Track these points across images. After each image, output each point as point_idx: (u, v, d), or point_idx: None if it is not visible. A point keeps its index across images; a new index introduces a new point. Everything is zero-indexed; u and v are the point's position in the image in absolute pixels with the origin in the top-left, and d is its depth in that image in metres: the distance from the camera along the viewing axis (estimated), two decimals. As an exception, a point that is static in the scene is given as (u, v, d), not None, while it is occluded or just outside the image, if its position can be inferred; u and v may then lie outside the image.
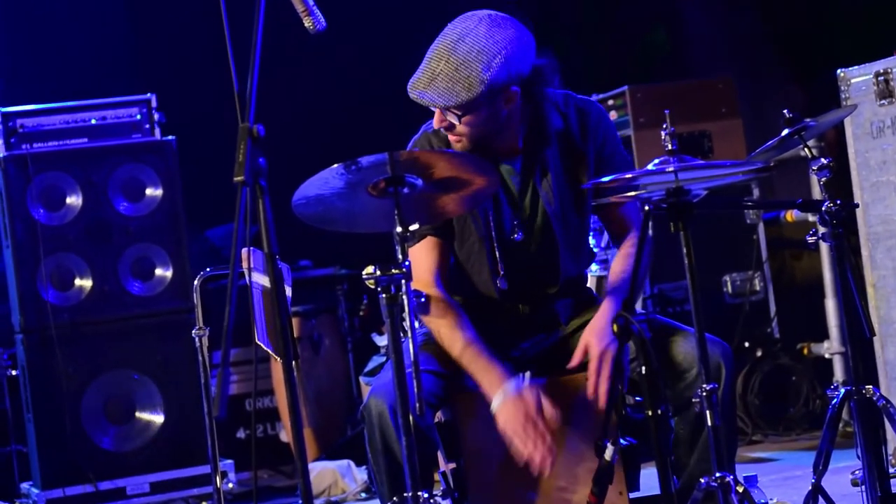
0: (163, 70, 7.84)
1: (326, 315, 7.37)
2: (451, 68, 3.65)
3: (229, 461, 6.30)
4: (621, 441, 3.59)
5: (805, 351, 6.86)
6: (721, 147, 7.00)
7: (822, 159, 3.88)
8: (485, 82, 3.64)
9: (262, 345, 3.48)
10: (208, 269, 4.49)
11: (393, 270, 3.28)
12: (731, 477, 3.40)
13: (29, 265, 6.16)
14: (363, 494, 6.40)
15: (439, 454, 3.81)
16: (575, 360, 3.76)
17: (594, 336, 3.72)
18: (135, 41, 8.25)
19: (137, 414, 6.31)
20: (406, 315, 3.31)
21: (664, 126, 3.47)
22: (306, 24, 3.22)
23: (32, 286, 6.16)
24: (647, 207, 3.49)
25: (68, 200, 6.25)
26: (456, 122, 3.73)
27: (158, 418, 6.31)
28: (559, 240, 3.88)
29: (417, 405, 3.28)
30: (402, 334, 3.33)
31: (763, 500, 3.77)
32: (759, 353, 6.80)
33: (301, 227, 3.61)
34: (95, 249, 6.27)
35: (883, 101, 4.91)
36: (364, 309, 7.44)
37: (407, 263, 3.29)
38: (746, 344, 6.82)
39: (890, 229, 4.95)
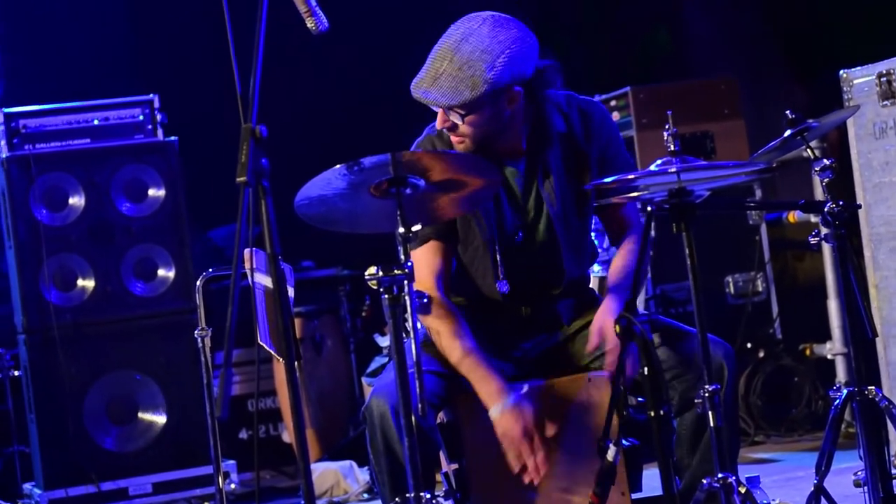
0: (165, 70, 7.84)
1: (329, 316, 7.37)
2: (454, 68, 3.66)
3: (231, 462, 6.30)
4: (623, 442, 3.59)
5: (807, 352, 6.85)
6: (723, 148, 7.00)
7: (825, 160, 3.88)
8: (488, 81, 3.65)
9: (264, 345, 3.48)
10: (211, 270, 4.49)
11: (395, 271, 3.28)
12: (734, 478, 3.40)
13: (32, 266, 6.16)
14: (365, 495, 6.40)
15: (441, 455, 3.81)
16: (591, 344, 3.75)
17: (607, 328, 3.71)
18: (137, 42, 8.26)
19: (140, 414, 6.31)
20: (408, 316, 3.31)
21: (667, 127, 3.47)
22: (309, 25, 3.22)
23: (35, 287, 6.16)
24: (649, 208, 3.49)
25: (71, 201, 6.25)
26: (459, 122, 3.73)
27: (161, 419, 6.31)
28: (562, 241, 3.88)
29: (420, 406, 3.28)
30: (404, 335, 3.33)
31: (765, 501, 3.77)
32: (761, 354, 6.80)
33: (303, 228, 3.61)
34: (98, 250, 6.27)
35: (886, 102, 4.91)
36: (366, 309, 7.44)
37: (409, 264, 3.29)
38: (749, 345, 6.81)
39: (892, 230, 4.95)
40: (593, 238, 4.14)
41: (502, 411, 3.67)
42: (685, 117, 6.85)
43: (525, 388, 3.74)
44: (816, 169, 3.89)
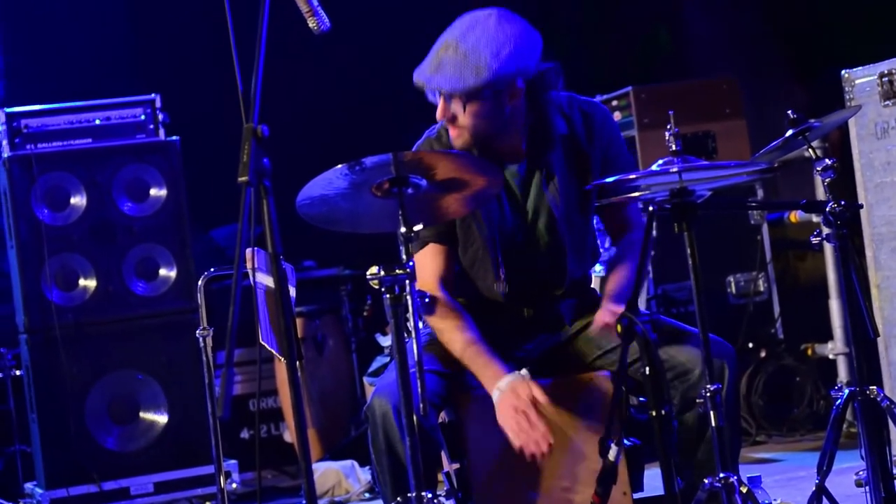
0: (167, 70, 7.84)
1: (330, 315, 7.37)
2: (459, 56, 3.67)
3: (233, 461, 6.30)
4: (625, 441, 3.59)
5: (809, 352, 6.85)
6: (725, 147, 7.00)
7: (827, 160, 3.88)
8: (492, 69, 3.65)
9: (265, 345, 3.48)
10: (212, 270, 4.49)
11: (397, 271, 3.28)
12: (735, 477, 3.40)
13: (33, 265, 6.16)
14: (367, 495, 6.41)
15: (443, 454, 3.81)
16: (597, 324, 3.75)
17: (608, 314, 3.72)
18: (138, 41, 8.26)
19: (141, 414, 6.31)
20: (410, 315, 3.32)
21: (668, 126, 3.47)
22: (310, 25, 3.22)
23: (37, 286, 6.16)
24: (651, 208, 3.49)
25: (72, 201, 6.25)
26: (460, 112, 3.72)
27: (162, 418, 6.31)
28: (565, 242, 3.88)
29: (421, 405, 3.28)
30: (405, 335, 3.33)
31: (767, 501, 3.77)
32: (762, 354, 6.80)
33: (305, 228, 3.62)
34: (100, 250, 6.27)
35: (887, 102, 4.90)
36: (368, 309, 7.44)
37: (411, 264, 3.29)
38: (750, 345, 6.81)
39: (894, 230, 4.95)
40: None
41: (503, 390, 3.67)
42: (686, 117, 6.85)
43: (525, 370, 3.73)
44: (818, 169, 3.89)
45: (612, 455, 3.47)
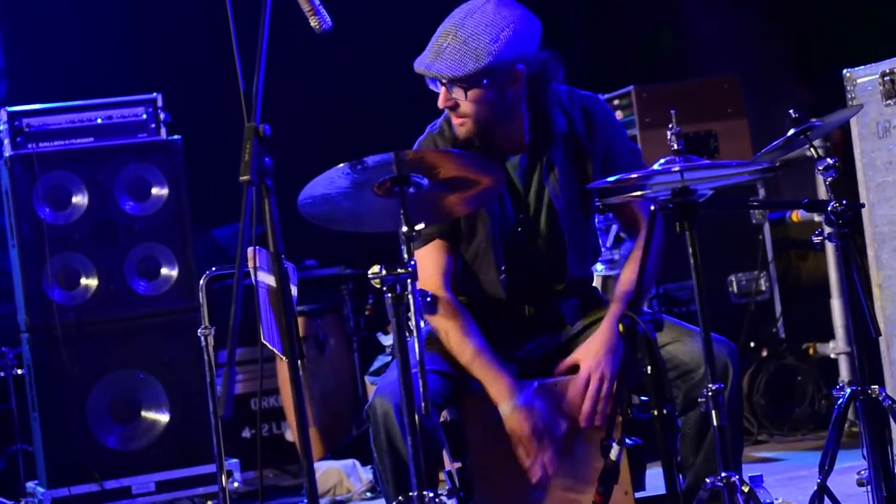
0: (168, 69, 7.84)
1: (332, 314, 7.38)
2: (459, 41, 3.67)
3: (235, 460, 6.30)
4: (627, 441, 3.59)
5: (811, 351, 6.85)
6: (727, 147, 7.00)
7: (828, 159, 3.88)
8: (493, 53, 3.65)
9: (267, 344, 3.48)
10: (214, 269, 4.49)
11: (398, 270, 3.28)
12: (737, 477, 3.39)
13: (35, 264, 6.16)
14: (368, 494, 6.41)
15: (445, 454, 3.81)
16: (563, 366, 3.80)
17: (586, 355, 3.76)
18: (140, 40, 8.26)
19: (143, 413, 6.32)
20: (412, 314, 3.31)
21: (670, 126, 3.47)
22: (312, 24, 3.22)
23: (38, 285, 6.16)
24: (653, 208, 3.49)
25: (74, 200, 6.25)
26: (462, 99, 3.72)
27: (164, 417, 6.31)
28: (566, 237, 3.88)
29: (423, 404, 3.28)
30: (407, 334, 3.33)
31: (769, 500, 3.77)
32: (764, 353, 6.80)
33: (307, 227, 3.61)
34: (101, 249, 6.27)
35: (889, 101, 4.90)
36: (369, 308, 7.44)
37: (412, 263, 3.29)
38: (752, 344, 6.81)
39: (895, 229, 4.95)
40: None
41: (512, 410, 3.67)
42: (688, 116, 6.85)
43: (535, 385, 3.74)
44: (820, 168, 3.89)
45: (613, 454, 3.47)
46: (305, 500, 3.03)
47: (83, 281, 6.25)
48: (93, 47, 8.06)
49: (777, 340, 6.88)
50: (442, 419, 3.83)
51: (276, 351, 3.45)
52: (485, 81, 3.69)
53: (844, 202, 3.76)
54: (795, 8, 8.42)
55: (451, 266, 3.89)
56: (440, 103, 3.78)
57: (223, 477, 4.44)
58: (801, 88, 8.31)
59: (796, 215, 6.83)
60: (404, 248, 3.34)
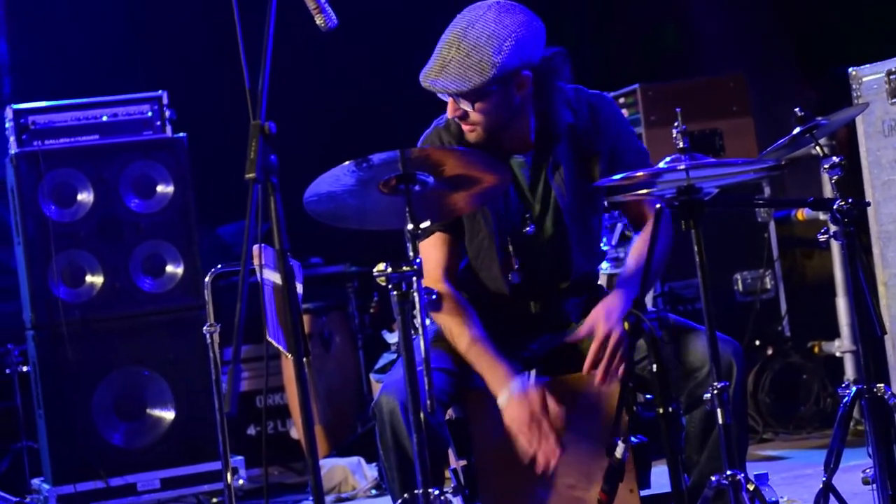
0: (174, 67, 7.85)
1: (337, 312, 7.38)
2: (462, 54, 3.66)
3: (240, 458, 6.30)
4: (632, 439, 3.59)
5: (816, 349, 6.85)
6: (732, 145, 7.00)
7: (834, 157, 3.88)
8: (496, 66, 3.64)
9: (272, 341, 3.49)
10: (219, 266, 4.49)
11: (404, 268, 3.28)
12: (742, 475, 3.40)
13: (40, 262, 6.16)
14: (373, 491, 6.41)
15: (450, 451, 3.81)
16: (581, 332, 3.76)
17: (601, 316, 3.72)
18: (146, 38, 8.26)
19: (148, 410, 6.32)
20: (417, 312, 3.31)
21: (675, 124, 3.47)
22: (318, 22, 3.22)
23: (44, 283, 6.16)
24: (658, 206, 3.49)
25: (79, 197, 6.26)
26: (469, 110, 3.72)
27: (169, 415, 6.31)
28: (570, 234, 3.88)
29: (428, 402, 3.28)
30: (412, 331, 3.33)
31: (774, 499, 3.77)
32: (769, 352, 6.80)
33: (312, 225, 3.62)
34: (106, 246, 6.27)
35: (894, 100, 4.90)
36: (375, 306, 7.44)
37: (418, 261, 3.29)
38: (757, 342, 6.81)
39: (901, 228, 4.95)
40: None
41: (510, 398, 3.66)
42: (694, 115, 6.84)
43: (532, 374, 3.73)
44: (825, 166, 3.89)
45: (619, 452, 3.47)
46: (311, 498, 3.03)
47: (88, 278, 6.25)
48: (98, 45, 8.06)
49: (782, 339, 6.88)
50: (447, 417, 3.83)
51: (281, 348, 3.46)
52: (491, 92, 3.69)
53: (850, 200, 3.76)
54: (801, 6, 8.42)
55: (453, 259, 3.89)
56: (448, 114, 3.78)
57: (228, 474, 4.45)
58: (807, 87, 8.31)
59: (802, 214, 6.83)
60: (410, 245, 3.34)
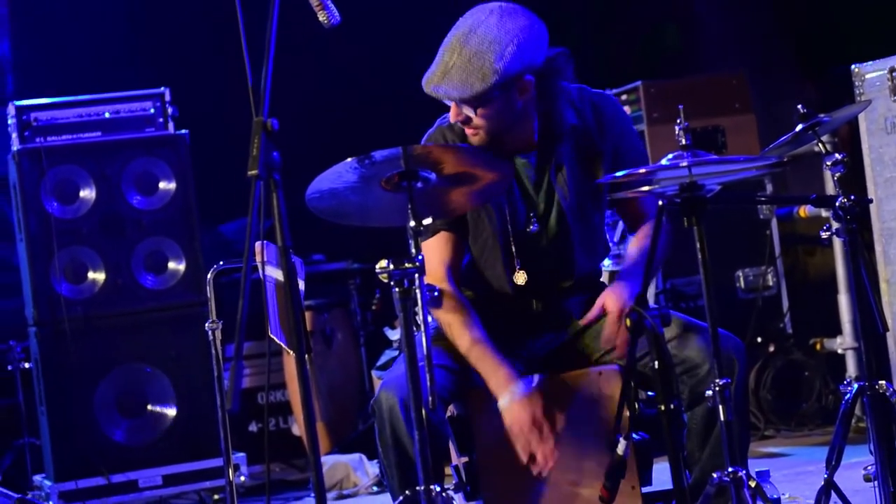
0: (176, 64, 7.84)
1: (339, 309, 7.38)
2: (464, 60, 3.65)
3: (242, 454, 6.31)
4: (634, 436, 3.59)
5: (818, 346, 6.85)
6: (734, 142, 7.00)
7: (836, 155, 3.88)
8: (498, 72, 3.64)
9: (274, 338, 3.49)
10: (221, 263, 4.49)
11: (406, 265, 3.28)
12: (744, 472, 3.40)
13: (42, 258, 6.16)
14: (375, 488, 6.42)
15: (451, 448, 3.81)
16: (591, 314, 3.77)
17: (612, 296, 3.73)
18: (148, 35, 8.26)
19: (150, 407, 6.32)
20: (419, 309, 3.31)
21: (678, 121, 3.47)
22: (321, 19, 3.22)
23: (46, 279, 6.16)
24: (660, 202, 3.49)
25: (82, 194, 6.26)
26: (472, 115, 3.72)
27: (171, 411, 6.32)
28: (574, 233, 3.88)
29: (430, 399, 3.28)
30: (414, 328, 3.33)
31: (775, 495, 3.77)
32: (771, 349, 6.80)
33: (314, 221, 3.62)
34: (109, 243, 6.28)
35: (897, 97, 4.90)
36: (377, 303, 7.45)
37: (420, 258, 3.29)
38: (759, 339, 6.81)
39: (903, 225, 4.95)
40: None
41: (511, 401, 3.67)
42: (696, 112, 6.84)
43: (536, 378, 3.74)
44: (828, 163, 3.89)
45: (620, 449, 3.47)
46: (312, 494, 3.03)
47: (91, 275, 6.25)
48: (100, 42, 8.06)
49: (784, 336, 6.88)
50: (448, 414, 3.84)
51: (283, 345, 3.46)
52: (494, 97, 3.68)
53: (852, 198, 3.76)
54: (803, 4, 8.42)
55: (456, 258, 3.89)
56: (451, 119, 3.78)
57: (230, 471, 4.45)
58: (809, 84, 8.31)
59: (804, 211, 6.83)
60: (412, 242, 3.34)
